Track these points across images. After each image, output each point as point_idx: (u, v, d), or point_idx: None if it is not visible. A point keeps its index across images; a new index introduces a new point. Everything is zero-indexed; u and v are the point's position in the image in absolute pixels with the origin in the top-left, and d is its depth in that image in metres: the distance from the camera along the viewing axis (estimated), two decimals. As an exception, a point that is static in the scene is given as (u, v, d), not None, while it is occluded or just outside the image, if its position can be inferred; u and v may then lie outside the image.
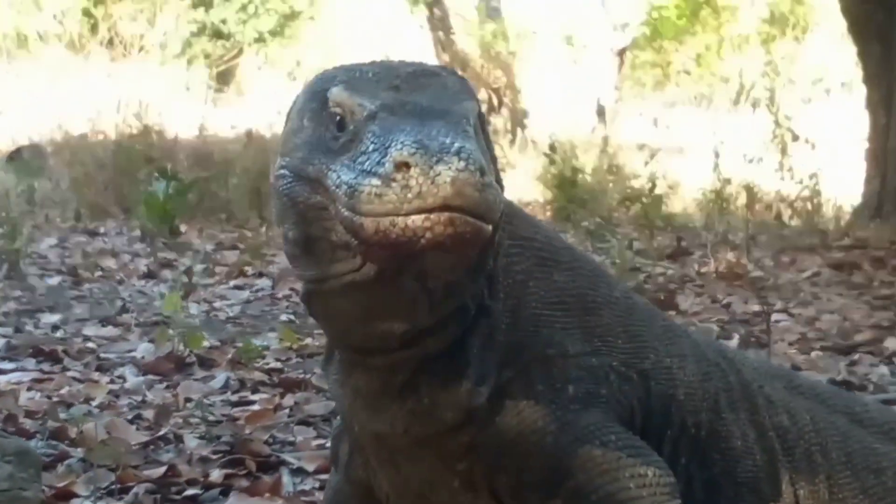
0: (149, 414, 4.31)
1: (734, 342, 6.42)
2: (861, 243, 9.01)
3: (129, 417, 4.23)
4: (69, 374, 4.99)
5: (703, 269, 8.13)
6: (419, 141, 1.61)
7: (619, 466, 1.98)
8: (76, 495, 3.32)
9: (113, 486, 3.36)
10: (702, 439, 2.11)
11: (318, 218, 1.79)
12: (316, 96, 1.86)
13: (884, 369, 5.96)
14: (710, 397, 2.14)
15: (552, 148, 11.32)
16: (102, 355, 5.30)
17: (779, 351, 6.13)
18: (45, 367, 5.07)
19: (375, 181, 1.63)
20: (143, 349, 5.37)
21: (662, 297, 7.57)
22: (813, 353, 6.19)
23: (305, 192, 1.81)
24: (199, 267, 7.59)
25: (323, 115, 1.82)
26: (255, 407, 4.54)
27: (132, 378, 4.96)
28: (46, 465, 3.44)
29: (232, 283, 7.31)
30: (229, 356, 5.26)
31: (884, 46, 9.10)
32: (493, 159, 1.86)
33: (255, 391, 4.80)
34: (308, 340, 5.90)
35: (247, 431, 4.05)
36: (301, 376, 4.97)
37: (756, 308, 6.88)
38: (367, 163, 1.66)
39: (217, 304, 6.74)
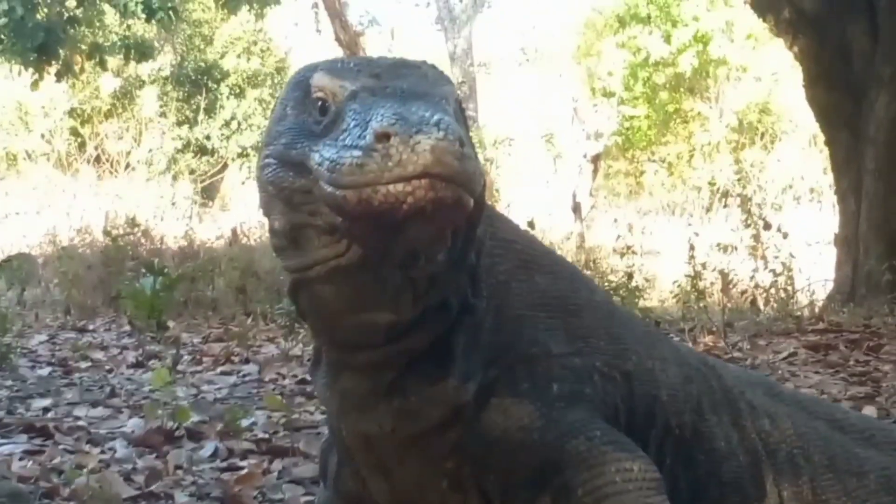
0: (139, 478, 4.29)
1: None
2: (835, 326, 9.05)
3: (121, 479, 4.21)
4: (60, 447, 4.97)
5: (682, 353, 8.14)
6: (399, 113, 1.65)
7: (606, 461, 1.98)
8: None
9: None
10: (686, 440, 2.12)
11: (303, 202, 1.83)
12: (299, 85, 1.90)
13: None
14: (693, 399, 2.16)
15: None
16: (93, 430, 5.28)
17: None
18: (37, 441, 5.04)
19: (356, 153, 1.66)
20: (133, 424, 5.36)
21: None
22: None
23: (290, 177, 1.83)
24: (186, 357, 7.59)
25: (306, 103, 1.86)
26: (244, 471, 4.52)
27: (122, 450, 4.94)
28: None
29: (219, 369, 7.29)
30: (218, 428, 5.24)
31: (851, 134, 9.26)
32: (471, 142, 1.90)
33: (243, 458, 4.78)
34: (296, 415, 5.90)
35: (236, 490, 4.03)
36: (289, 444, 4.96)
37: (734, 386, 6.89)
38: (349, 138, 1.69)
39: (204, 388, 6.72)
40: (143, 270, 8.77)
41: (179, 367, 6.96)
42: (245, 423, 5.48)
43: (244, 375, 7.18)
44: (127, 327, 8.95)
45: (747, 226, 9.65)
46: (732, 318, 9.18)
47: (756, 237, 9.35)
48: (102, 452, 4.84)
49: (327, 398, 2.14)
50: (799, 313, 9.61)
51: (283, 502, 3.99)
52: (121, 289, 8.82)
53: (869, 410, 6.38)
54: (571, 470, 1.97)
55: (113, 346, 8.27)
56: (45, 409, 5.93)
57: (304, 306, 2.01)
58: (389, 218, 1.68)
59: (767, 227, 9.55)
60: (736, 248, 9.73)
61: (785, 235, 9.71)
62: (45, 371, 7.25)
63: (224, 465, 4.70)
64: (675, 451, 2.12)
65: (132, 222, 10.86)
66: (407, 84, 1.77)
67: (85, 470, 3.89)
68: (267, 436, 5.18)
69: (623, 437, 2.03)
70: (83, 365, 7.43)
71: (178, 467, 4.60)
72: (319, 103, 1.82)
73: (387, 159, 1.62)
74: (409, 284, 1.89)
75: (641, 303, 10.25)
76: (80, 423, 5.56)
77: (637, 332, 2.21)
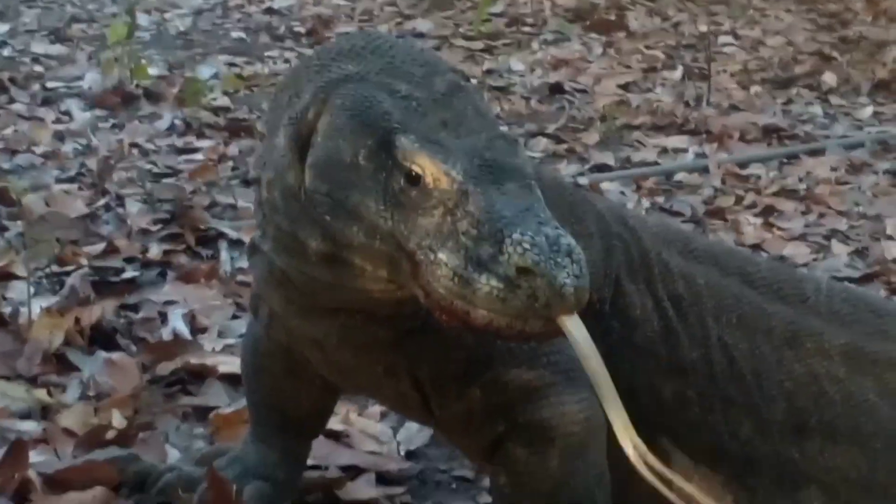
0: (92, 163, 4.18)
1: (677, 73, 6.29)
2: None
3: (73, 173, 4.10)
4: (15, 107, 4.81)
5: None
6: (533, 240, 1.53)
7: (536, 356, 1.93)
8: (15, 276, 3.23)
9: (51, 269, 3.27)
10: (604, 313, 2.07)
11: (358, 248, 1.69)
12: (372, 133, 1.67)
13: (818, 109, 5.86)
14: (613, 272, 2.09)
15: None
16: (49, 85, 5.09)
17: (720, 85, 6.00)
18: (-3, 97, 4.87)
19: (496, 282, 1.53)
20: (91, 80, 5.15)
21: (613, 18, 7.33)
22: (752, 89, 6.06)
23: (354, 231, 1.68)
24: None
25: (382, 158, 1.65)
26: (199, 157, 4.41)
27: (79, 114, 4.79)
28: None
29: (184, -8, 6.94)
30: (176, 90, 5.07)
31: None
32: None
33: (200, 135, 4.65)
34: (257, 66, 5.73)
35: (188, 193, 3.94)
36: (247, 117, 4.83)
37: (704, 29, 6.66)
38: (475, 250, 1.56)
39: (168, 16, 6.45)
40: None
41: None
42: (205, 76, 5.33)
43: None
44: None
45: None
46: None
47: None
48: (58, 121, 4.69)
49: (267, 293, 2.00)
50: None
51: (235, 210, 3.90)
52: None
53: (828, 77, 6.26)
54: (503, 365, 1.92)
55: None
56: (3, 43, 5.70)
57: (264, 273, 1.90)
58: (504, 337, 1.61)
59: None
60: None
61: None
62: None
63: (181, 143, 4.57)
64: (593, 324, 2.07)
65: None
66: (491, 150, 1.64)
67: (33, 191, 3.73)
68: (227, 102, 5.02)
69: None
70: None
71: (133, 145, 4.48)
72: (411, 174, 1.63)
73: (532, 300, 1.52)
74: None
75: None
76: (38, 68, 5.36)
77: (564, 209, 2.08)
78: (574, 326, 1.56)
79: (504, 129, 1.72)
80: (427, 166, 1.62)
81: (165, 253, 3.47)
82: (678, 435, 2.04)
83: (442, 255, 1.58)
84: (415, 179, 1.62)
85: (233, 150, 4.48)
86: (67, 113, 4.79)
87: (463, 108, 1.72)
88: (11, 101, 4.90)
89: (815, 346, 2.16)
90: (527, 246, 1.53)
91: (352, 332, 1.90)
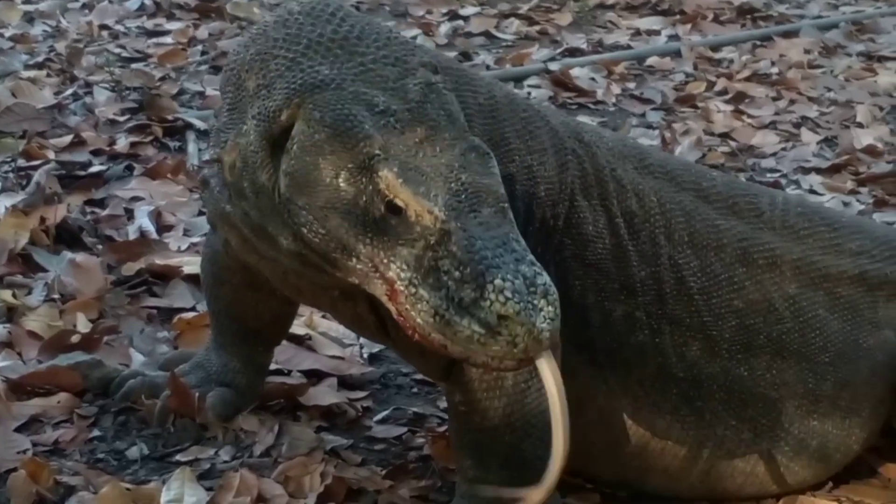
0: (62, 47, 4.09)
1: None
2: None
3: (41, 58, 4.01)
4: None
5: None
6: (514, 286, 1.56)
7: None
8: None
9: (17, 164, 3.22)
10: (557, 229, 2.05)
11: (333, 261, 1.71)
12: (353, 158, 1.65)
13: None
14: (567, 188, 2.07)
15: None
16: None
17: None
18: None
19: (477, 328, 1.56)
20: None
21: None
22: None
23: (331, 248, 1.68)
24: None
25: (363, 183, 1.64)
26: (168, 40, 4.32)
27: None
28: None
29: None
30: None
31: None
32: None
33: (170, 17, 4.55)
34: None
35: (157, 80, 3.87)
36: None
37: None
38: (457, 292, 1.57)
39: None
40: None
41: None
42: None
43: None
44: None
45: None
46: None
47: None
48: (27, 1, 4.57)
49: (222, 229, 1.97)
50: None
51: (203, 98, 3.83)
52: None
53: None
54: None
55: None
56: None
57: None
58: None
59: None
60: None
61: None
62: None
63: (150, 24, 4.48)
64: (546, 241, 2.07)
65: None
66: (466, 171, 1.64)
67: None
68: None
69: None
70: None
71: (103, 27, 4.38)
72: (392, 205, 1.62)
73: (511, 346, 1.56)
74: None
75: None
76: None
77: (517, 124, 2.04)
78: (546, 362, 1.59)
79: (474, 139, 1.73)
80: (410, 202, 1.61)
81: (132, 145, 3.43)
82: (627, 360, 2.04)
83: (423, 292, 1.60)
84: (396, 209, 1.62)
85: (202, 33, 4.40)
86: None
87: (436, 116, 1.71)
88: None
89: (767, 262, 2.15)
90: (508, 294, 1.56)
91: (305, 273, 1.88)
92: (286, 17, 1.80)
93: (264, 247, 1.83)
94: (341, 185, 1.66)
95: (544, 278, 1.59)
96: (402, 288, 1.62)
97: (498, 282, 1.56)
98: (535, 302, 1.57)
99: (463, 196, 1.63)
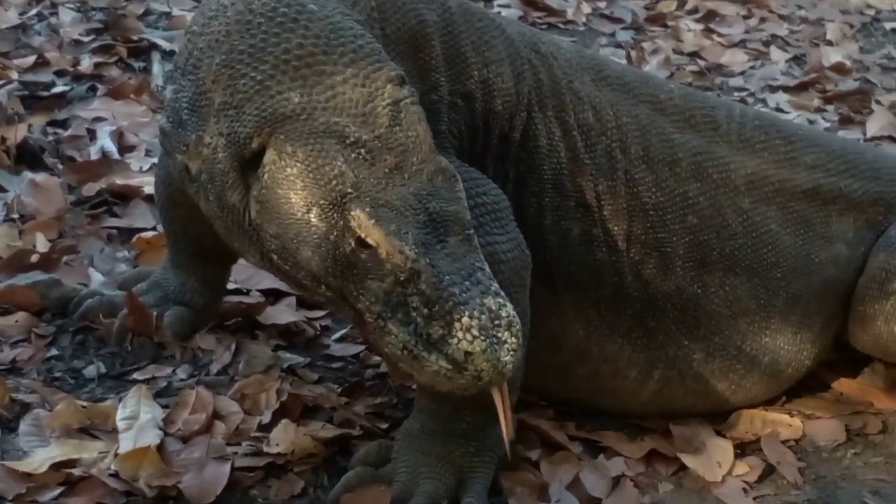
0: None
1: None
2: None
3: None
4: None
5: None
6: (480, 323, 1.58)
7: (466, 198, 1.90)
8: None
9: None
10: (514, 141, 2.03)
11: (302, 287, 1.74)
12: (325, 195, 1.63)
13: None
14: (524, 99, 2.04)
15: None
16: None
17: None
18: None
19: (444, 363, 1.59)
20: None
21: None
22: None
23: (301, 275, 1.69)
24: None
25: (334, 218, 1.63)
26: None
27: None
28: None
29: None
30: None
31: None
32: None
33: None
34: None
35: (123, 1, 3.79)
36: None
37: None
38: (425, 329, 1.59)
39: None
40: None
41: None
42: None
43: None
44: None
45: None
46: None
47: None
48: None
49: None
50: None
51: (169, 18, 3.76)
52: None
53: None
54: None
55: None
56: None
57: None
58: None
59: None
60: None
61: None
62: None
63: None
64: (503, 155, 2.04)
65: None
66: (432, 200, 1.65)
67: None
68: None
69: (475, 173, 1.94)
70: None
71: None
72: (362, 241, 1.61)
73: (476, 380, 1.59)
74: None
75: None
76: None
77: (472, 35, 1.99)
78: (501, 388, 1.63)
79: (441, 160, 1.71)
80: (382, 243, 1.60)
81: (97, 66, 3.36)
82: (584, 282, 2.03)
83: (392, 327, 1.61)
84: (367, 245, 1.61)
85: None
86: None
87: (405, 139, 1.69)
88: None
89: (721, 176, 2.13)
90: (475, 333, 1.58)
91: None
92: (248, 18, 1.73)
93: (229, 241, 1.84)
94: (312, 220, 1.65)
95: (508, 309, 1.61)
96: (370, 320, 1.63)
97: (465, 320, 1.58)
98: (500, 335, 1.60)
99: (430, 228, 1.64)
